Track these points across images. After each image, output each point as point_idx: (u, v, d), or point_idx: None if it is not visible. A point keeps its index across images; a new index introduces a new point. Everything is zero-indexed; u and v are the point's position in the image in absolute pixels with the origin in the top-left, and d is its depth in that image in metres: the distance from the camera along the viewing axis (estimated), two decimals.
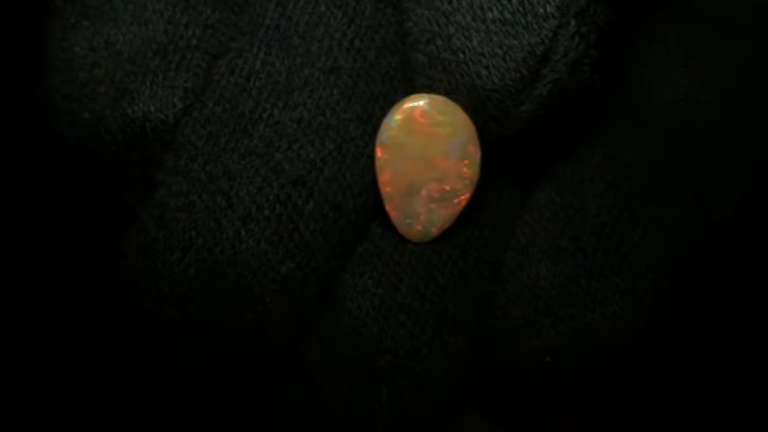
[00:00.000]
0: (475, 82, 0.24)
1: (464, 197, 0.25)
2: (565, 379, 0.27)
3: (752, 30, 0.29)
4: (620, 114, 0.28)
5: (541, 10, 0.23)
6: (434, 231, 0.26)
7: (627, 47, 0.27)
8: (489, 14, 0.24)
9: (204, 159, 0.25)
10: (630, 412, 0.32)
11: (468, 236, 0.26)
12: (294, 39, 0.26)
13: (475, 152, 0.25)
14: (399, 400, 0.25)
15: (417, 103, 0.25)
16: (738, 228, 0.29)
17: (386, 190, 0.25)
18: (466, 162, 0.25)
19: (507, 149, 0.26)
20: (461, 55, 0.24)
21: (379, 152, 0.25)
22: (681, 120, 0.28)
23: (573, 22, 0.24)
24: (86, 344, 0.32)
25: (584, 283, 0.26)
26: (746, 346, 0.33)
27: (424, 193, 0.25)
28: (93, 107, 0.26)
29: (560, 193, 0.27)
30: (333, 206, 0.25)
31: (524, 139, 0.25)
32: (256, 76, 0.25)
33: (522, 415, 0.29)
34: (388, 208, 0.25)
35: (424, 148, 0.25)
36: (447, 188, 0.25)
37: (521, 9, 0.24)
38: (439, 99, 0.25)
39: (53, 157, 0.27)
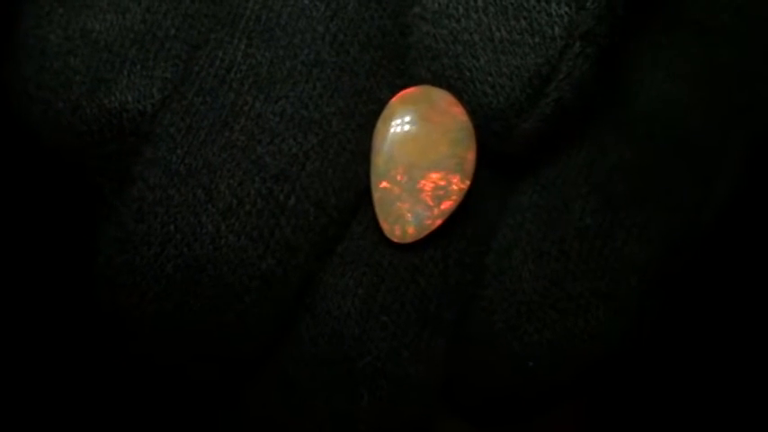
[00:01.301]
0: (480, 100, 0.24)
1: (452, 200, 0.25)
2: (546, 383, 0.27)
3: (734, 33, 0.29)
4: (605, 117, 0.28)
5: (549, 31, 0.23)
6: (411, 232, 0.25)
7: (613, 51, 0.27)
8: (497, 34, 0.24)
9: (183, 152, 0.24)
10: (622, 415, 0.32)
11: (450, 237, 0.26)
12: (276, 31, 0.25)
13: (471, 156, 0.25)
14: (379, 402, 0.25)
15: (429, 91, 0.25)
16: (720, 230, 0.29)
17: (377, 172, 0.25)
18: (461, 165, 0.25)
19: (500, 156, 0.26)
20: (467, 73, 0.24)
21: (377, 132, 0.24)
22: (664, 123, 0.28)
23: (579, 44, 0.24)
24: (63, 338, 0.31)
25: (567, 288, 0.26)
26: (732, 347, 0.34)
27: (414, 181, 0.25)
28: (68, 97, 0.25)
29: (543, 196, 0.27)
30: (314, 202, 0.24)
31: (524, 153, 0.25)
32: (237, 68, 0.25)
33: (504, 418, 0.28)
34: (374, 198, 0.25)
35: (427, 135, 0.24)
36: (440, 183, 0.25)
37: (528, 30, 0.24)
38: (449, 94, 0.25)
39: (28, 147, 0.26)
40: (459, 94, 0.24)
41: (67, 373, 0.32)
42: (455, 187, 0.25)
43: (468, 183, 0.25)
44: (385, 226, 0.25)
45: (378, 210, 0.25)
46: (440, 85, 0.25)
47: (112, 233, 0.24)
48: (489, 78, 0.24)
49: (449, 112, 0.24)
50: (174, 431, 0.29)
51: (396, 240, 0.25)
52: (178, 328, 0.24)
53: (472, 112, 0.24)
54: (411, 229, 0.25)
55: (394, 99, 0.25)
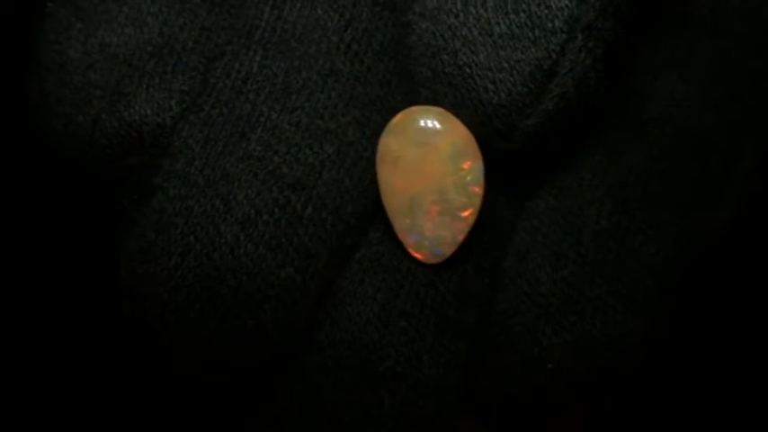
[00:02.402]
0: (481, 96, 0.24)
1: (469, 211, 0.25)
2: (565, 386, 0.27)
3: (746, 34, 0.29)
4: (619, 120, 0.28)
5: (549, 24, 0.23)
6: (445, 250, 0.25)
7: (625, 53, 0.27)
8: (497, 28, 0.24)
9: (202, 163, 0.24)
10: (634, 417, 0.32)
11: (467, 242, 0.26)
12: (291, 42, 0.25)
13: (477, 165, 0.24)
14: (401, 407, 0.25)
15: (414, 115, 0.24)
16: (736, 232, 0.29)
17: (389, 207, 0.25)
18: (468, 177, 0.24)
19: (508, 159, 0.25)
20: (468, 69, 0.24)
21: (378, 170, 0.25)
22: (677, 125, 0.28)
23: (580, 37, 0.23)
24: (87, 349, 0.32)
25: (585, 290, 0.26)
26: (747, 348, 0.34)
27: (426, 209, 0.25)
28: (89, 111, 0.26)
29: (559, 200, 0.27)
30: (331, 210, 0.25)
31: (528, 152, 0.25)
32: (253, 79, 0.25)
33: (523, 421, 0.28)
34: (396, 228, 0.25)
35: (423, 160, 0.24)
36: (450, 203, 0.25)
37: (528, 23, 0.23)
38: (436, 110, 0.24)
39: (49, 161, 0.27)
40: (459, 90, 0.24)
41: (82, 381, 0.33)
42: (468, 199, 0.25)
43: (481, 190, 0.25)
44: (417, 255, 0.25)
45: (402, 240, 0.25)
46: (440, 83, 0.24)
47: (133, 245, 0.25)
48: (489, 74, 0.24)
49: (442, 129, 0.24)
50: None
51: (432, 263, 0.25)
52: (199, 336, 0.24)
53: (473, 109, 0.24)
54: (442, 249, 0.25)
55: (383, 135, 0.24)
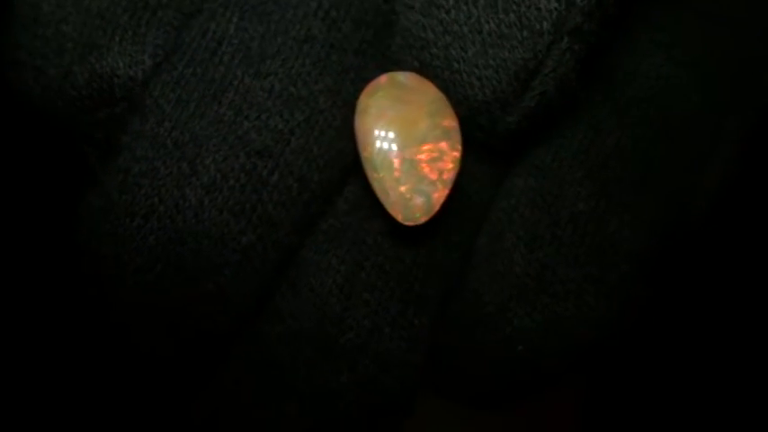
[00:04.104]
0: (467, 92, 0.24)
1: (449, 172, 0.24)
2: (535, 366, 0.27)
3: (735, 17, 0.29)
4: (602, 100, 0.27)
5: (537, 26, 0.23)
6: (420, 215, 0.24)
7: (611, 34, 0.27)
8: (486, 27, 0.24)
9: (171, 125, 0.24)
10: (618, 412, 0.32)
11: (441, 212, 0.25)
12: (269, 4, 0.25)
13: (455, 127, 0.24)
14: (360, 380, 0.25)
15: (394, 76, 0.25)
16: (713, 218, 0.28)
17: (371, 159, 0.24)
18: (448, 135, 0.24)
19: (488, 150, 0.26)
20: (456, 65, 0.24)
21: (359, 122, 0.24)
22: (661, 107, 0.28)
23: (566, 39, 0.23)
24: (43, 305, 0.32)
25: (559, 272, 0.26)
26: (730, 344, 0.33)
27: (410, 158, 0.24)
28: (60, 62, 0.25)
29: (538, 179, 0.27)
30: (298, 178, 0.24)
31: (508, 146, 0.25)
32: (229, 41, 0.25)
33: (492, 400, 0.28)
34: (374, 186, 0.24)
35: (405, 115, 0.24)
36: (432, 155, 0.24)
37: (517, 23, 0.23)
38: (412, 74, 0.25)
39: (17, 112, 0.26)
40: (445, 84, 0.24)
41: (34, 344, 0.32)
42: (448, 155, 0.24)
43: (459, 149, 0.24)
44: (393, 212, 0.24)
45: (381, 198, 0.24)
46: (427, 76, 0.24)
47: (96, 203, 0.24)
48: (476, 71, 0.24)
49: (418, 88, 0.24)
50: (153, 409, 0.29)
51: (408, 224, 0.25)
52: (158, 299, 0.24)
53: (458, 104, 0.24)
54: (419, 209, 0.24)
55: (362, 94, 0.24)
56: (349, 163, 0.25)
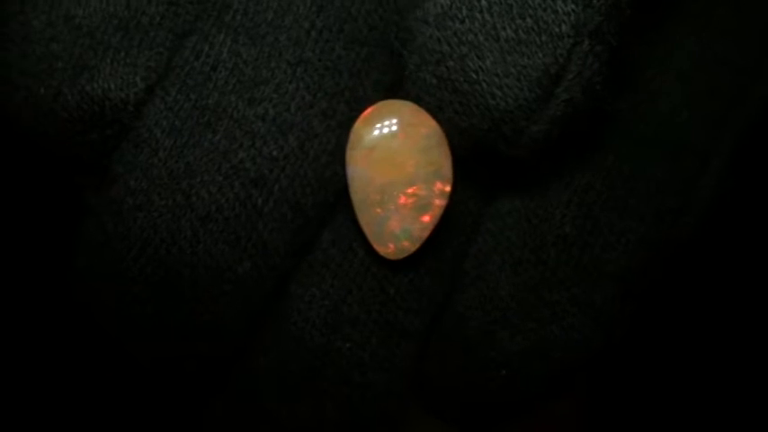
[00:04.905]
0: (488, 102, 0.23)
1: (437, 207, 0.24)
2: (520, 389, 0.27)
3: (729, 28, 0.28)
4: (590, 118, 0.27)
5: (556, 29, 0.23)
6: (408, 246, 0.25)
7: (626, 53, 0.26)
8: (503, 33, 0.23)
9: (166, 155, 0.24)
10: (621, 416, 0.32)
11: (429, 241, 0.26)
12: (262, 27, 0.25)
13: (447, 162, 0.24)
14: (343, 412, 0.25)
15: (388, 107, 0.24)
16: (700, 236, 0.28)
17: (356, 197, 0.24)
18: (439, 172, 0.24)
19: (512, 164, 0.25)
20: (474, 75, 0.23)
21: (349, 160, 0.24)
22: (652, 124, 0.27)
23: (587, 41, 0.23)
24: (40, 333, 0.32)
25: (544, 296, 0.26)
26: (730, 347, 0.34)
27: (396, 200, 0.24)
28: (50, 83, 0.25)
29: (525, 201, 0.27)
30: (292, 205, 0.24)
31: (533, 157, 0.24)
32: (223, 66, 0.24)
33: (480, 420, 0.29)
34: (361, 221, 0.25)
35: (396, 152, 0.24)
36: (419, 197, 0.24)
37: (535, 28, 0.23)
38: (409, 104, 0.24)
39: (8, 136, 0.26)
40: (465, 98, 0.24)
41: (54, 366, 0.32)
42: (437, 192, 0.24)
43: (449, 187, 0.24)
44: (379, 248, 0.25)
45: (367, 233, 0.25)
46: (445, 91, 0.24)
47: (91, 234, 0.24)
48: (496, 79, 0.23)
49: (414, 122, 0.24)
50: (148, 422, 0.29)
51: (394, 258, 0.25)
52: (154, 330, 0.24)
53: (480, 116, 0.24)
54: (406, 244, 0.25)
55: (357, 123, 0.24)
56: (343, 186, 0.25)
